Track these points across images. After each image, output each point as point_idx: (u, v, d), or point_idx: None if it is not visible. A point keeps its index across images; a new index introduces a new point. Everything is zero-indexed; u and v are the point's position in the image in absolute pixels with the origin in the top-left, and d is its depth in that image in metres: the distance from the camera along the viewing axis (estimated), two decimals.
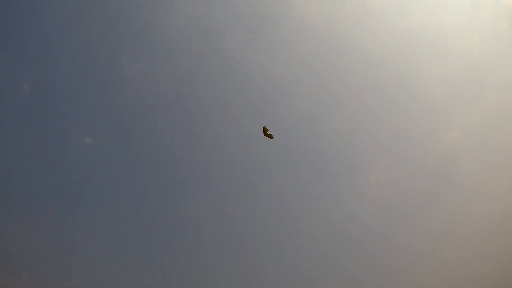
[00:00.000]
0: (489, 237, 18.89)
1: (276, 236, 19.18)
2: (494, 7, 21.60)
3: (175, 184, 19.86)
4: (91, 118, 19.66)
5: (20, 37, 19.32)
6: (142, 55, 20.90)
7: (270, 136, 16.56)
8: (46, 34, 19.77)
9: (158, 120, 20.43)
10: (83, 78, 19.97)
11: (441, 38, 21.93)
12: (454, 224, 19.40)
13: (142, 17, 20.95)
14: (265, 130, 16.53)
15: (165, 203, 19.34)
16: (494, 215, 19.30)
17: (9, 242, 17.08)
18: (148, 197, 19.28)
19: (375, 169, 20.82)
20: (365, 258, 18.83)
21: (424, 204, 19.92)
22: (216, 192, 19.84)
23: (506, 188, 19.69)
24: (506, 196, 19.57)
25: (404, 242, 19.22)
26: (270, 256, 18.74)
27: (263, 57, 21.64)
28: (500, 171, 20.04)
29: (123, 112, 20.17)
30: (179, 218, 19.24)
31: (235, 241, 18.98)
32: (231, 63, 21.19)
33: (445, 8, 22.12)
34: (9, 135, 18.48)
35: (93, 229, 18.30)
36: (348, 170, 20.70)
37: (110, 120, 19.91)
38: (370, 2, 22.20)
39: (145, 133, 20.24)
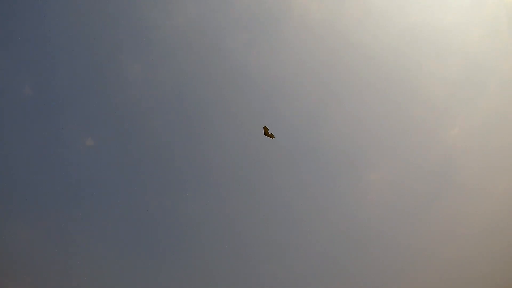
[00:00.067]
0: (491, 236, 18.91)
1: (276, 236, 19.20)
2: (494, 6, 21.59)
3: (175, 185, 19.86)
4: (91, 120, 19.64)
5: (20, 39, 19.29)
6: (143, 56, 20.87)
7: (271, 136, 16.55)
8: (46, 36, 19.74)
9: (159, 121, 20.41)
10: (83, 79, 19.95)
11: (441, 37, 21.92)
12: (455, 223, 19.42)
13: (142, 18, 20.92)
14: (265, 129, 16.52)
15: (166, 204, 19.34)
16: (495, 215, 19.32)
17: (11, 244, 17.07)
18: (149, 198, 19.28)
19: (376, 169, 20.82)
20: (366, 258, 18.85)
21: (425, 204, 19.94)
22: (216, 192, 19.85)
23: (507, 187, 19.70)
24: (507, 195, 19.58)
25: (405, 241, 19.24)
26: (271, 256, 18.75)
27: (264, 57, 21.63)
28: (501, 170, 20.05)
29: (123, 113, 20.15)
30: (180, 219, 19.25)
31: (236, 242, 19.00)
32: (231, 63, 21.18)
33: (445, 7, 22.11)
34: (10, 136, 18.46)
35: (94, 231, 18.30)
36: (349, 170, 20.70)
37: (110, 121, 19.89)
38: (370, 1, 22.18)
39: (145, 134, 20.23)
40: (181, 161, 20.20)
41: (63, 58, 19.90)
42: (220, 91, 20.86)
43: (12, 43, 19.13)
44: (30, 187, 18.24)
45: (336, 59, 21.80)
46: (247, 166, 20.36)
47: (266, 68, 21.51)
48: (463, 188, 20.00)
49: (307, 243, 18.99)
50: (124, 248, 18.24)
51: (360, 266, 18.54)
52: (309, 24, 21.90)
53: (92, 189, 18.91)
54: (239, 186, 20.11)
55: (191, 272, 18.06)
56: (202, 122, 20.64)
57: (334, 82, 21.64)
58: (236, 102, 20.86)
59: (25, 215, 17.65)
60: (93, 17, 20.35)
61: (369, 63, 21.85)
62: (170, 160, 20.14)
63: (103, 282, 17.44)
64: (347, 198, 19.94)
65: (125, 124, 20.04)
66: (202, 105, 20.74)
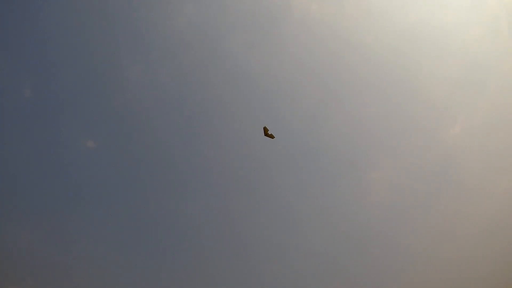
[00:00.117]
0: (492, 236, 18.92)
1: (277, 236, 19.22)
2: (494, 4, 21.58)
3: (176, 186, 19.88)
4: (91, 121, 19.65)
5: (20, 41, 19.28)
6: (143, 57, 20.86)
7: (271, 136, 16.54)
8: (46, 37, 19.73)
9: (159, 122, 20.42)
10: (83, 81, 19.95)
11: (441, 37, 21.92)
12: (456, 223, 19.44)
13: (142, 19, 20.90)
14: (265, 130, 16.51)
15: (166, 205, 19.36)
16: (496, 214, 19.33)
17: (12, 246, 17.10)
18: (150, 199, 19.30)
19: (376, 169, 20.84)
20: (366, 257, 18.87)
21: (426, 203, 19.96)
22: (217, 193, 19.87)
23: (508, 187, 19.72)
24: (508, 194, 19.59)
25: (406, 241, 19.26)
26: (272, 257, 18.77)
27: (264, 57, 21.62)
28: (502, 169, 20.07)
29: (123, 114, 20.16)
30: (180, 219, 19.27)
31: (236, 242, 19.02)
32: (231, 64, 21.17)
33: (445, 7, 22.10)
34: (10, 138, 18.48)
35: (95, 232, 18.33)
36: (350, 170, 20.72)
37: (110, 123, 19.90)
38: (370, 1, 22.18)
39: (145, 135, 20.23)
40: (182, 162, 20.23)
41: (63, 60, 19.91)
42: (220, 92, 20.88)
43: (12, 45, 19.14)
44: (31, 188, 18.27)
45: (336, 59, 21.81)
46: (248, 167, 20.39)
47: (266, 69, 21.52)
48: (464, 188, 20.03)
49: (308, 243, 19.03)
50: (125, 249, 18.28)
51: (360, 266, 18.58)
52: (309, 24, 21.90)
53: (92, 190, 18.94)
54: (240, 186, 20.15)
55: (192, 272, 18.10)
56: (202, 122, 20.66)
57: (334, 82, 21.66)
58: (236, 103, 20.88)
59: (26, 217, 17.69)
60: (93, 19, 20.35)
61: (369, 63, 21.87)
62: (171, 161, 20.17)
63: (104, 283, 17.47)
64: (348, 198, 19.97)
65: (126, 125, 20.06)
66: (202, 106, 20.76)
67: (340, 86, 21.63)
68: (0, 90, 18.70)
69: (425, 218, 19.62)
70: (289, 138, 20.44)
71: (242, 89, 21.05)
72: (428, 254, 18.85)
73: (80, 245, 18.06)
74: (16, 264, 17.06)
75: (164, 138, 20.25)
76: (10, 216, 17.42)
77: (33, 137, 18.81)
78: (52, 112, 19.27)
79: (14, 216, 17.51)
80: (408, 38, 21.85)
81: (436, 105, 21.32)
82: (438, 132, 21.01)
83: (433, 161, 20.67)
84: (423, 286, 18.33)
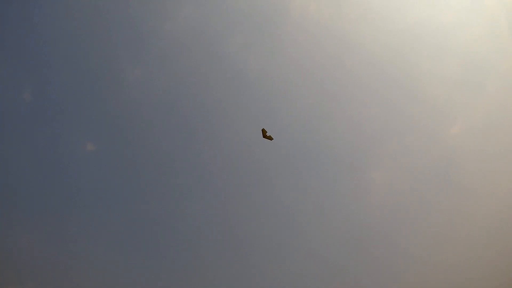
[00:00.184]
0: (492, 236, 18.83)
1: (277, 237, 19.22)
2: (493, 4, 21.50)
3: (175, 188, 19.94)
4: (91, 124, 19.75)
5: (18, 45, 19.43)
6: (141, 60, 20.96)
7: (270, 138, 16.55)
8: (44, 41, 19.87)
9: (158, 124, 20.50)
10: (82, 85, 20.06)
11: (441, 36, 21.87)
12: (457, 223, 19.36)
13: (140, 22, 20.99)
14: (263, 132, 16.52)
15: (166, 207, 19.41)
16: (497, 214, 19.24)
17: (12, 248, 17.21)
18: (149, 202, 19.37)
19: (376, 169, 20.80)
20: (366, 258, 18.83)
21: (426, 203, 19.88)
22: (216, 194, 19.91)
23: (509, 185, 19.62)
24: (509, 193, 19.49)
25: (406, 241, 19.19)
26: (271, 257, 18.78)
27: (262, 59, 21.65)
28: (502, 168, 19.98)
29: (123, 117, 20.25)
30: (180, 221, 19.32)
31: (236, 243, 19.04)
32: (229, 66, 21.22)
33: (444, 7, 22.06)
34: (10, 141, 18.62)
35: (95, 234, 18.41)
36: (349, 170, 20.69)
37: (110, 126, 19.99)
38: (369, 0, 22.16)
39: (144, 137, 20.31)
40: (181, 164, 20.28)
41: (62, 63, 20.04)
42: (218, 94, 20.92)
43: (11, 48, 19.29)
44: (31, 190, 18.39)
45: (335, 60, 21.81)
46: (246, 168, 20.41)
47: (265, 70, 21.55)
48: (464, 188, 19.95)
49: (307, 244, 19.01)
50: (125, 250, 18.34)
51: (360, 267, 18.54)
52: (307, 25, 21.91)
53: (92, 192, 19.04)
54: (238, 188, 20.17)
55: (192, 274, 18.14)
56: (200, 124, 20.71)
57: (333, 83, 21.65)
58: (235, 105, 20.92)
59: (26, 219, 17.80)
60: (92, 22, 20.47)
61: (369, 63, 21.84)
62: (170, 163, 20.23)
63: (104, 284, 17.54)
64: (347, 199, 19.94)
65: (125, 127, 20.15)
66: (200, 108, 20.81)
67: (339, 87, 21.64)
68: None
69: (425, 218, 19.57)
70: (288, 139, 20.46)
71: (240, 90, 21.11)
72: (428, 254, 18.78)
73: (80, 247, 18.16)
74: (16, 265, 17.18)
75: (163, 140, 20.34)
76: (10, 218, 17.55)
77: (33, 140, 18.96)
78: (52, 115, 19.41)
79: (15, 218, 17.64)
80: (407, 38, 21.82)
81: (435, 105, 21.26)
82: (437, 132, 20.96)
83: (433, 161, 20.61)
84: (423, 286, 18.26)
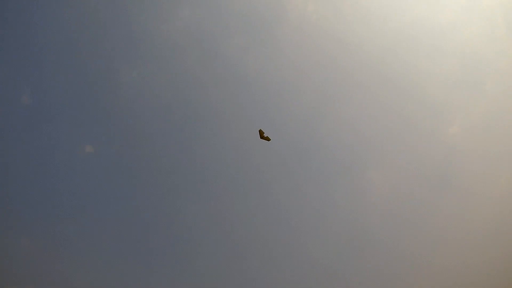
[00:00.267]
0: (490, 234, 18.76)
1: (274, 238, 19.21)
2: (491, 4, 21.48)
3: (173, 189, 19.95)
4: (89, 127, 19.80)
5: (17, 49, 19.51)
6: (139, 62, 21.01)
7: (267, 139, 16.57)
8: (43, 44, 19.95)
9: (156, 125, 20.54)
10: (81, 87, 20.13)
11: (438, 36, 21.86)
12: (454, 222, 19.30)
13: (139, 25, 21.05)
14: (261, 133, 16.54)
15: (163, 208, 19.43)
16: (494, 212, 19.20)
17: (11, 252, 17.25)
18: (147, 204, 19.39)
19: (374, 169, 20.78)
20: (365, 260, 18.78)
21: (424, 202, 19.83)
22: (214, 195, 19.91)
23: (507, 183, 19.58)
24: (507, 191, 19.44)
25: (404, 241, 19.13)
26: (269, 258, 18.76)
27: (260, 60, 21.67)
28: (500, 166, 19.93)
29: (120, 119, 20.29)
30: (177, 223, 19.34)
31: (234, 245, 19.03)
32: (227, 67, 21.26)
33: (442, 7, 22.05)
34: (9, 143, 18.68)
35: (94, 236, 18.43)
36: (347, 171, 20.68)
37: (107, 128, 20.04)
38: (367, 1, 22.17)
39: (142, 138, 20.34)
40: (178, 165, 20.31)
41: (60, 66, 20.11)
42: (216, 95, 20.95)
43: (9, 51, 19.36)
44: (31, 194, 18.44)
45: (333, 60, 21.81)
46: (244, 169, 20.43)
47: (262, 71, 21.57)
48: (462, 187, 19.91)
49: (305, 245, 18.98)
50: (123, 252, 18.36)
51: (358, 268, 18.50)
52: (305, 26, 21.93)
53: (91, 195, 19.07)
54: (236, 188, 20.17)
55: (190, 274, 18.15)
56: (198, 125, 20.74)
57: (331, 84, 21.65)
58: (232, 106, 20.93)
59: (25, 222, 17.84)
60: (89, 25, 20.55)
61: (366, 63, 21.84)
62: (167, 165, 20.25)
63: (104, 286, 17.57)
64: (345, 200, 19.91)
65: (122, 130, 20.19)
66: (198, 109, 20.85)
67: (337, 88, 21.64)
68: None
69: (423, 219, 19.53)
70: (285, 140, 20.47)
71: (237, 91, 21.13)
72: (427, 254, 18.72)
73: (79, 248, 18.18)
74: (16, 267, 17.22)
75: (160, 142, 20.37)
76: (9, 221, 17.60)
77: (32, 142, 19.01)
78: (49, 117, 19.47)
79: (13, 221, 17.68)
80: (405, 38, 21.82)
81: (433, 105, 21.25)
82: (436, 132, 20.94)
83: (431, 161, 20.59)
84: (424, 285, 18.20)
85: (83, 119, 19.75)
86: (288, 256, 18.71)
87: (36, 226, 18.00)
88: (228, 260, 18.58)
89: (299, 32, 21.88)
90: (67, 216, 18.52)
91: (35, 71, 19.68)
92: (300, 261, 18.53)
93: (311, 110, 21.37)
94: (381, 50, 21.88)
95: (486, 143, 20.39)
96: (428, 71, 21.61)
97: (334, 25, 21.97)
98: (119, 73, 20.71)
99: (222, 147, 20.40)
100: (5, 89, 19.06)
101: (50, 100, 19.70)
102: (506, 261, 18.01)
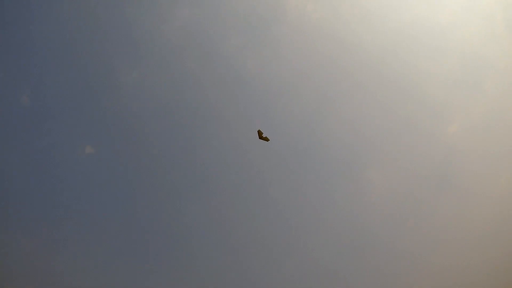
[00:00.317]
0: (490, 234, 18.75)
1: (273, 238, 19.23)
2: (490, 3, 21.44)
3: (171, 190, 19.99)
4: (88, 128, 19.84)
5: (16, 49, 19.55)
6: (138, 63, 21.04)
7: (266, 139, 16.56)
8: (41, 45, 19.99)
9: (155, 127, 20.57)
10: (80, 88, 20.17)
11: (438, 35, 21.84)
12: (454, 222, 19.30)
13: (137, 24, 21.07)
14: (260, 133, 16.54)
15: (162, 209, 19.47)
16: (495, 213, 19.18)
17: (10, 253, 17.30)
18: (146, 205, 19.43)
19: (374, 169, 20.78)
20: (364, 260, 18.79)
21: (424, 203, 19.84)
22: (213, 196, 19.94)
23: (506, 184, 19.55)
24: (507, 191, 19.41)
25: (404, 241, 19.14)
26: (267, 259, 18.78)
27: (259, 60, 21.67)
28: (500, 166, 19.91)
29: (120, 119, 20.33)
30: (176, 224, 19.37)
31: (233, 245, 19.06)
32: (226, 67, 21.26)
33: (441, 6, 22.02)
34: (8, 144, 18.74)
35: (93, 237, 18.47)
36: (347, 171, 20.68)
37: (106, 129, 20.08)
38: (366, 1, 22.15)
39: (142, 140, 20.38)
40: (177, 166, 20.34)
41: (59, 67, 20.15)
42: (215, 95, 20.97)
43: (8, 51, 19.41)
44: (31, 194, 18.50)
45: (332, 60, 21.81)
46: (243, 170, 20.44)
47: (261, 71, 21.57)
48: (462, 187, 19.90)
49: (305, 245, 18.99)
50: (123, 253, 18.40)
51: (358, 268, 18.50)
52: (304, 26, 21.92)
53: (90, 196, 19.12)
54: (235, 190, 20.19)
55: (189, 275, 18.18)
56: (197, 126, 20.76)
57: (330, 83, 21.65)
58: (231, 106, 20.94)
59: (24, 224, 17.90)
60: (88, 26, 20.58)
61: (366, 63, 21.83)
62: (167, 165, 20.28)
63: (103, 286, 17.60)
64: (345, 200, 19.91)
65: (122, 130, 20.23)
66: (197, 110, 20.86)
67: (336, 87, 21.63)
68: None
69: (423, 219, 19.51)
70: (284, 141, 20.46)
71: (237, 92, 21.13)
72: (426, 255, 18.71)
73: (80, 249, 18.23)
74: (16, 268, 17.27)
75: (160, 142, 20.39)
76: (8, 222, 17.65)
77: (31, 143, 19.06)
78: (48, 118, 19.51)
79: (12, 223, 17.73)
80: (404, 38, 21.79)
81: (433, 104, 21.23)
82: (435, 132, 20.91)
83: (431, 161, 20.56)
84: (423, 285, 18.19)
85: (83, 119, 19.80)
86: (288, 256, 18.74)
87: (36, 226, 18.07)
88: (227, 260, 18.61)
89: (299, 31, 21.88)
90: (67, 216, 18.58)
91: (35, 71, 19.74)
92: (300, 261, 18.55)
93: (310, 109, 21.37)
94: (380, 49, 21.87)
95: (486, 143, 20.37)
96: (427, 71, 21.60)
97: (333, 25, 21.96)
98: (119, 74, 20.75)
99: (221, 146, 20.44)
100: (4, 90, 19.12)
101: (50, 100, 19.75)
102: (506, 261, 17.97)
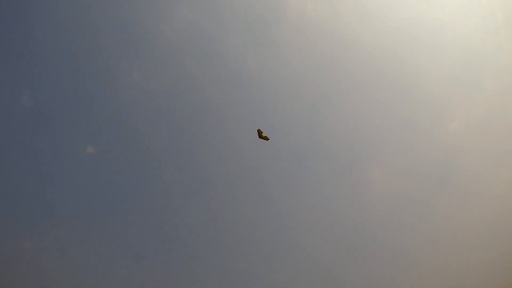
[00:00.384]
0: (491, 235, 18.69)
1: (272, 238, 19.22)
2: (490, 1, 21.38)
3: (171, 189, 19.99)
4: (89, 128, 19.86)
5: (18, 50, 19.61)
6: (139, 63, 21.07)
7: (266, 138, 16.56)
8: (43, 46, 20.04)
9: (156, 126, 20.58)
10: (79, 87, 20.19)
11: (437, 33, 21.79)
12: (454, 220, 19.25)
13: (137, 25, 21.10)
14: (259, 132, 16.53)
15: (162, 208, 19.48)
16: (494, 209, 19.13)
17: (12, 254, 17.33)
18: (147, 204, 19.44)
19: (375, 166, 20.74)
20: (363, 260, 18.75)
21: (425, 200, 19.79)
22: (212, 195, 19.94)
23: (506, 180, 19.49)
24: (507, 188, 19.35)
25: (404, 242, 19.09)
26: (266, 259, 18.77)
27: (259, 59, 21.66)
28: (500, 163, 19.85)
29: (121, 119, 20.35)
30: (175, 223, 19.37)
31: (232, 244, 19.06)
32: (226, 67, 21.26)
33: (441, 4, 21.98)
34: (9, 145, 18.78)
35: (93, 237, 18.49)
36: (347, 169, 20.65)
37: (107, 128, 20.10)
38: (365, 0, 22.13)
39: (143, 139, 20.40)
40: (178, 165, 20.34)
41: (59, 68, 20.19)
42: (215, 94, 20.97)
43: (9, 52, 19.46)
44: (30, 194, 18.53)
45: (332, 59, 21.78)
46: (242, 169, 20.43)
47: (261, 71, 21.55)
48: (462, 184, 19.85)
49: (303, 245, 18.96)
50: (123, 252, 18.41)
51: (358, 266, 18.47)
52: (304, 25, 21.90)
53: (90, 196, 19.14)
54: (235, 189, 20.18)
55: (188, 274, 18.18)
56: (197, 125, 20.75)
57: (330, 82, 21.62)
58: (231, 106, 20.94)
59: (24, 224, 17.93)
60: (89, 26, 20.62)
61: (365, 62, 21.80)
62: (167, 164, 20.29)
63: (103, 287, 17.62)
64: (344, 199, 19.88)
65: (123, 130, 20.25)
66: (197, 109, 20.86)
67: (336, 86, 21.60)
68: None
69: (423, 218, 19.48)
70: (284, 140, 20.45)
71: (236, 91, 21.13)
72: (426, 255, 18.67)
73: (80, 249, 18.25)
74: (16, 269, 17.30)
75: (159, 142, 20.40)
76: (9, 223, 17.69)
77: (31, 143, 19.10)
78: (49, 119, 19.55)
79: (14, 224, 17.77)
80: (404, 36, 21.75)
81: (433, 103, 21.19)
82: (435, 130, 20.87)
83: (431, 159, 20.52)
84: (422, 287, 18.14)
85: (83, 120, 19.83)
86: (287, 255, 18.72)
87: (36, 227, 18.10)
88: (227, 260, 18.60)
89: (298, 31, 21.87)
90: (67, 216, 18.60)
91: (35, 72, 19.79)
92: (299, 261, 18.53)
93: (310, 109, 21.35)
94: (379, 47, 21.83)
95: (486, 141, 20.32)
96: (427, 69, 21.56)
97: (333, 24, 21.94)
98: (120, 73, 20.78)
99: (221, 146, 20.43)
100: (4, 90, 19.17)
101: (50, 100, 19.79)
102: (506, 261, 17.91)
